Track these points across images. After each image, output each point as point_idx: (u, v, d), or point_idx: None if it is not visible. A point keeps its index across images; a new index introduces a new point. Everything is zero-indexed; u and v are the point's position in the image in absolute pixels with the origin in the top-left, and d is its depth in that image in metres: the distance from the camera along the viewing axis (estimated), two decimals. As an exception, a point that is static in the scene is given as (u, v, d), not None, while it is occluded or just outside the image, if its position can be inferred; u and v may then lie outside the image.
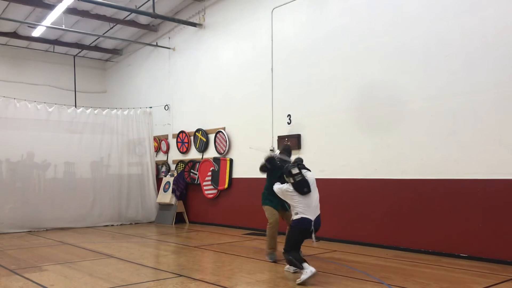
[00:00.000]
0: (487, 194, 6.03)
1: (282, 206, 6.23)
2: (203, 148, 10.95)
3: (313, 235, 5.24)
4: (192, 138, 11.34)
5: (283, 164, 5.85)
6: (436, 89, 6.58)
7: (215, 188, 10.51)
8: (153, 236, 9.37)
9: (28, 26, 11.55)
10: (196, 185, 11.09)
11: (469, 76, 6.23)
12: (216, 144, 10.52)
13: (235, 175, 10.10)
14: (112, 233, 9.68)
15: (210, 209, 10.77)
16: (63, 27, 11.12)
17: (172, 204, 11.25)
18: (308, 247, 6.81)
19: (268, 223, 6.18)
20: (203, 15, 11.00)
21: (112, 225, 11.04)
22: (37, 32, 11.80)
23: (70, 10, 10.62)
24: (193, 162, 11.22)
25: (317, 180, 5.58)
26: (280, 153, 6.36)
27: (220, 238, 8.68)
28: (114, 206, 11.23)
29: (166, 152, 12.35)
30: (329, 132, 8.01)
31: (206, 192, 10.77)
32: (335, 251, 7.00)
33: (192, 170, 11.21)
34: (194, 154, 11.34)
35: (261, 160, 6.25)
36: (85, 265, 6.18)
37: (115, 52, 14.48)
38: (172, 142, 12.07)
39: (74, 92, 14.27)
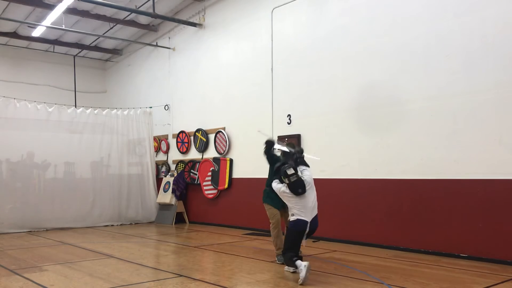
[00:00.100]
0: (487, 194, 6.03)
1: (283, 205, 6.18)
2: (203, 148, 10.95)
3: (304, 236, 5.22)
4: (192, 138, 11.34)
5: (285, 155, 5.76)
6: (436, 89, 6.58)
7: (215, 188, 10.51)
8: (153, 236, 9.37)
9: (28, 26, 11.55)
10: (196, 185, 11.09)
11: (469, 76, 6.23)
12: (216, 144, 10.52)
13: (235, 175, 10.10)
14: (112, 233, 9.68)
15: (210, 209, 10.77)
16: (63, 27, 11.12)
17: (172, 204, 11.25)
18: (309, 247, 6.82)
19: (271, 223, 6.14)
20: (203, 15, 11.00)
21: (112, 225, 11.04)
22: (37, 32, 11.81)
23: (70, 10, 10.62)
24: (193, 162, 11.22)
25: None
26: (284, 145, 6.24)
27: (220, 238, 8.68)
28: (114, 206, 11.23)
29: (166, 152, 12.35)
30: (329, 132, 8.01)
31: (206, 192, 10.77)
32: (335, 251, 7.00)
33: (192, 170, 11.21)
34: (194, 154, 11.34)
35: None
36: (85, 265, 6.18)
37: (115, 52, 14.48)
38: (172, 142, 12.07)
39: (74, 92, 14.27)
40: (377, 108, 7.32)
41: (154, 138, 12.35)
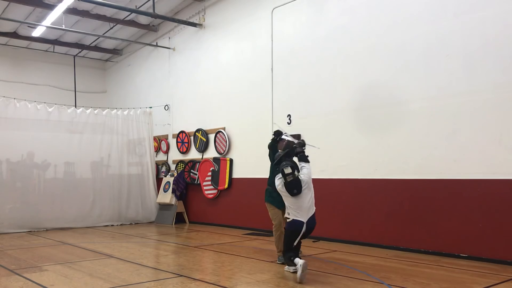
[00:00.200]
0: (487, 194, 6.02)
1: (284, 204, 6.15)
2: (203, 148, 10.95)
3: (299, 237, 5.21)
4: (192, 138, 11.34)
5: (287, 147, 5.68)
6: (436, 89, 6.58)
7: (215, 188, 10.51)
8: (153, 236, 9.37)
9: (28, 26, 11.55)
10: (196, 185, 11.09)
11: (469, 76, 6.23)
12: (216, 144, 10.52)
13: (235, 175, 10.10)
14: (112, 233, 9.68)
15: (210, 209, 10.77)
16: (63, 27, 11.11)
17: (172, 204, 11.25)
18: (309, 247, 6.83)
19: (273, 225, 6.07)
20: (203, 15, 11.00)
21: (112, 225, 11.04)
22: (37, 32, 11.80)
23: (70, 10, 10.62)
24: (193, 162, 11.22)
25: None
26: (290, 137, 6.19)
27: (220, 238, 8.68)
28: (114, 206, 11.23)
29: (166, 152, 12.35)
30: (329, 132, 8.01)
31: (206, 192, 10.77)
32: (335, 251, 7.00)
33: (192, 170, 11.21)
34: (194, 154, 11.34)
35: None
36: (85, 265, 6.18)
37: (115, 52, 14.48)
38: (172, 142, 12.07)
39: (74, 92, 14.27)
40: (377, 108, 7.32)
41: (154, 138, 12.35)
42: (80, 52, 14.30)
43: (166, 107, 12.26)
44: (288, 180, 5.16)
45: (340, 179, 7.81)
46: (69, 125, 10.86)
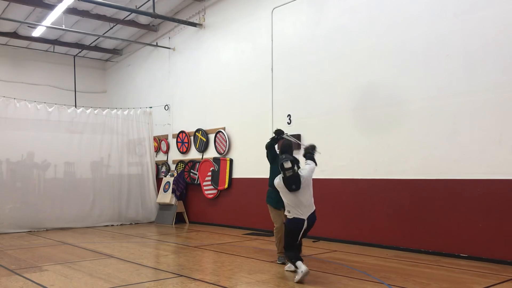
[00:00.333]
0: (487, 194, 6.02)
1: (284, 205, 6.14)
2: (203, 148, 10.95)
3: (300, 234, 5.20)
4: (192, 138, 11.34)
5: (288, 149, 5.70)
6: (436, 89, 6.58)
7: (215, 188, 10.51)
8: (153, 236, 9.37)
9: (28, 26, 11.55)
10: (196, 185, 11.09)
11: (469, 76, 6.23)
12: (216, 144, 10.52)
13: (235, 175, 10.10)
14: (112, 233, 9.68)
15: (210, 209, 10.77)
16: (63, 27, 11.12)
17: (172, 204, 11.25)
18: (309, 247, 6.82)
19: (275, 227, 6.01)
20: (203, 15, 11.00)
21: (112, 225, 11.04)
22: (37, 32, 11.81)
23: (70, 10, 10.63)
24: (193, 162, 11.22)
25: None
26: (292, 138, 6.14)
27: (220, 238, 8.68)
28: (114, 206, 11.23)
29: (166, 152, 12.35)
30: (329, 132, 8.01)
31: (206, 192, 10.77)
32: (335, 251, 7.00)
33: (192, 170, 11.21)
34: (194, 154, 11.34)
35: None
36: (85, 265, 6.18)
37: (115, 52, 14.48)
38: (172, 142, 12.07)
39: (74, 92, 14.26)
40: (377, 108, 7.32)
41: (154, 138, 12.35)
42: (80, 52, 14.30)
43: (166, 107, 12.26)
44: (288, 175, 5.06)
45: (340, 179, 7.81)
46: (69, 125, 10.86)
